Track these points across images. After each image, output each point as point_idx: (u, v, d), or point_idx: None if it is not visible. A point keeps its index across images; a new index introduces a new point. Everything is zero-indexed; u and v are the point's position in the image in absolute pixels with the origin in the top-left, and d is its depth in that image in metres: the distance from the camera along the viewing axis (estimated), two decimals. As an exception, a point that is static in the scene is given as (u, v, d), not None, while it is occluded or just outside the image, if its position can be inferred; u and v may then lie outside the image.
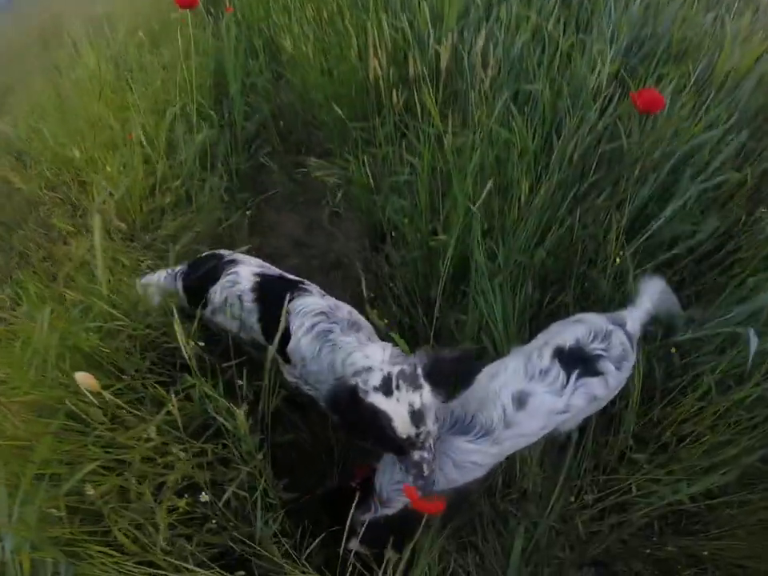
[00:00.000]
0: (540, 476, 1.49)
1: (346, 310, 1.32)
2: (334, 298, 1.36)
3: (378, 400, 1.03)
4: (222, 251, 1.50)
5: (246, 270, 1.37)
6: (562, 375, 1.22)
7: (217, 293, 1.38)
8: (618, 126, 1.75)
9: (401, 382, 1.03)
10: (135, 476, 1.21)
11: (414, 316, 1.82)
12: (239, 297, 1.35)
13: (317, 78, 2.20)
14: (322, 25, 2.34)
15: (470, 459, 1.21)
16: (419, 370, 1.06)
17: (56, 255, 2.02)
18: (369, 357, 1.13)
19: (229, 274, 1.37)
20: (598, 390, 1.24)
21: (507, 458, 1.34)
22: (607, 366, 1.24)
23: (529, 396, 1.22)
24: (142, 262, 1.76)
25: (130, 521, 1.15)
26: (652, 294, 1.40)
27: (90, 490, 1.10)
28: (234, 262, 1.40)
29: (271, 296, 1.31)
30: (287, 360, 1.35)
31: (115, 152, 1.94)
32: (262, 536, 1.21)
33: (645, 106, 1.55)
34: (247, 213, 2.06)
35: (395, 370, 1.05)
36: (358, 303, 1.91)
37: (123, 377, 1.41)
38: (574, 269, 1.75)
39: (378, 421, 1.03)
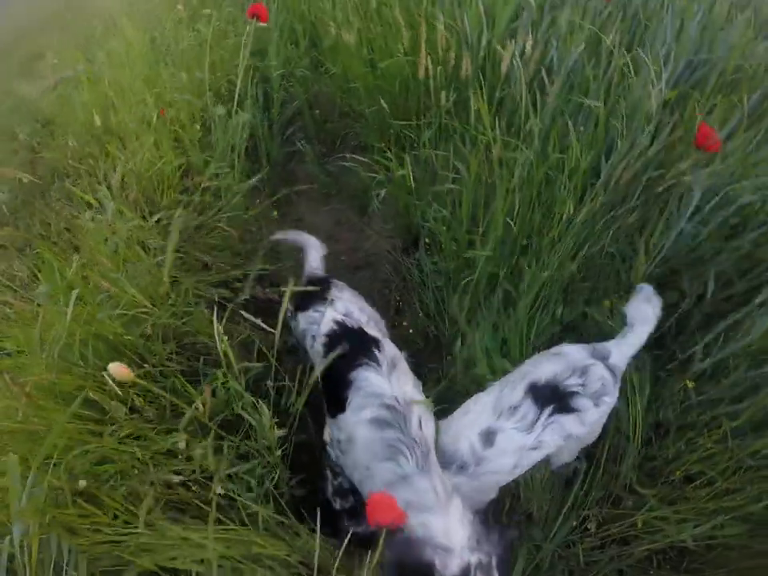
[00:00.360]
0: (546, 500, 1.47)
1: (409, 392, 1.21)
2: (399, 365, 1.28)
3: None
4: (334, 282, 1.49)
5: (329, 314, 1.35)
6: (533, 411, 1.19)
7: (300, 321, 1.40)
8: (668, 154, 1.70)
9: (479, 574, 1.00)
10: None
11: (440, 327, 1.77)
12: (314, 336, 1.35)
13: (359, 68, 2.12)
14: (368, 14, 2.26)
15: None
16: (494, 562, 1.02)
17: (77, 227, 1.97)
18: (449, 535, 1.04)
19: (316, 310, 1.36)
20: (572, 428, 1.21)
21: (514, 481, 1.30)
22: (583, 402, 1.22)
23: (496, 433, 1.18)
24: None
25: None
26: (643, 321, 1.35)
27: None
28: (329, 301, 1.39)
29: (341, 355, 1.27)
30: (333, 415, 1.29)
31: (147, 127, 1.88)
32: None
33: (702, 141, 1.49)
34: (274, 203, 2.00)
35: (474, 559, 1.01)
36: (383, 307, 1.88)
37: (144, 365, 1.37)
38: (601, 286, 1.71)
39: None
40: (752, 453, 1.35)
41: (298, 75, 2.21)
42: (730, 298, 1.62)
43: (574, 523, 1.44)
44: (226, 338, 1.14)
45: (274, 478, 1.26)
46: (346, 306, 1.38)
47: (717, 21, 2.35)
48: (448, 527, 1.04)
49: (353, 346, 1.26)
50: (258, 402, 1.22)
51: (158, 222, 1.68)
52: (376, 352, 1.24)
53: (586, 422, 1.23)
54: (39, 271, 2.02)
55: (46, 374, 1.25)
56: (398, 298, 1.90)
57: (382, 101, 1.92)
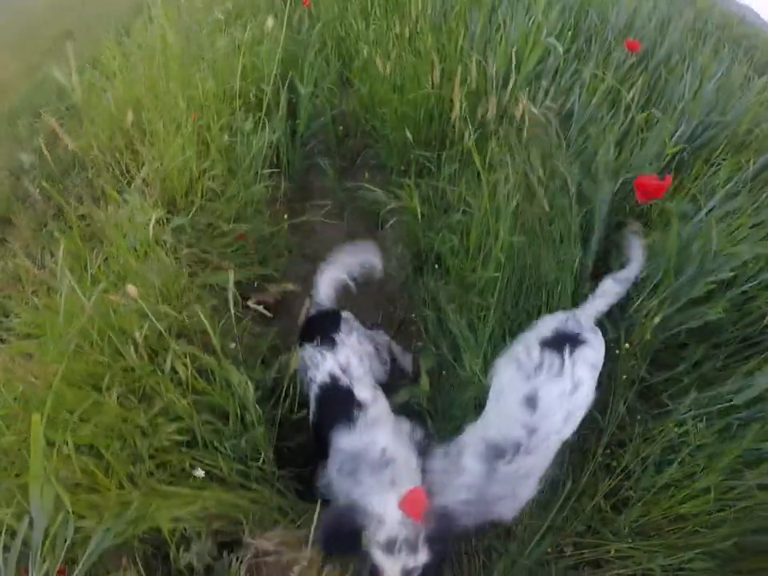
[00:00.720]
0: (527, 518, 1.52)
1: (379, 446, 1.31)
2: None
3: (377, 556, 1.11)
4: (344, 319, 1.53)
5: (329, 363, 1.41)
6: (557, 357, 1.29)
7: (306, 350, 1.45)
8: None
9: (403, 546, 1.11)
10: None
11: (439, 346, 1.82)
12: (311, 378, 1.42)
13: (387, 92, 2.19)
14: (401, 42, 2.33)
15: (518, 475, 1.26)
16: (421, 536, 1.13)
17: (94, 216, 2.01)
18: (386, 509, 1.15)
19: (320, 351, 1.42)
20: (592, 357, 1.32)
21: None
22: (588, 335, 1.34)
23: (536, 394, 1.26)
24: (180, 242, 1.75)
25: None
26: (607, 294, 1.48)
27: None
28: (334, 344, 1.44)
29: (328, 408, 1.37)
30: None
31: (177, 129, 1.92)
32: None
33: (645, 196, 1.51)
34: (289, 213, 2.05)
35: (402, 535, 1.12)
36: (387, 324, 1.93)
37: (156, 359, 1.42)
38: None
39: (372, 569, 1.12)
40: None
41: (326, 90, 2.27)
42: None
43: (550, 547, 1.49)
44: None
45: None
46: (347, 357, 1.42)
47: (734, 82, 2.44)
48: (386, 503, 1.14)
49: (338, 406, 1.35)
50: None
51: (176, 222, 1.73)
52: (358, 415, 1.33)
53: (598, 348, 1.34)
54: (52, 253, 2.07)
55: (59, 362, 1.29)
56: (402, 316, 1.95)
57: (406, 130, 1.99)
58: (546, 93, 2.07)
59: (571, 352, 1.29)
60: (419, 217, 1.84)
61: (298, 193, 2.09)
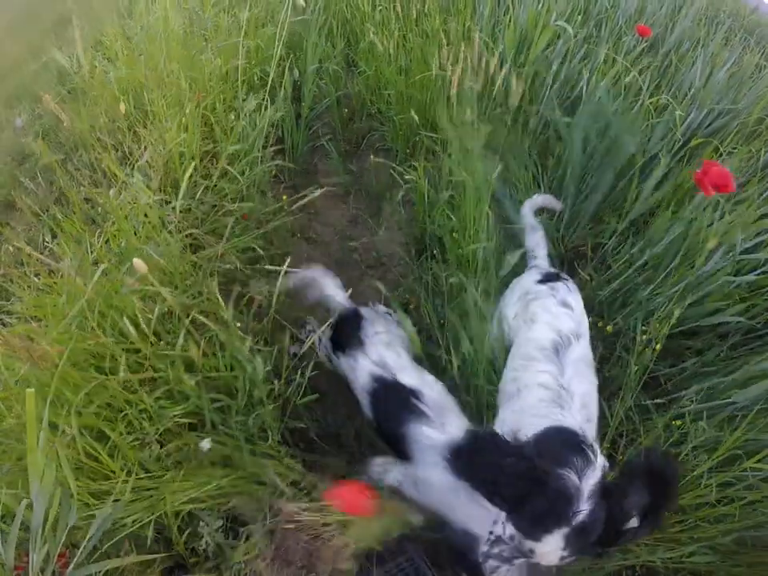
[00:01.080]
0: None
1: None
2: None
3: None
4: (365, 317, 1.49)
5: (365, 366, 1.37)
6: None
7: (341, 362, 1.44)
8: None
9: None
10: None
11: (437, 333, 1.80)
12: (354, 381, 1.39)
13: (392, 74, 2.16)
14: (408, 23, 2.29)
15: None
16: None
17: (97, 200, 1.99)
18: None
19: (352, 356, 1.39)
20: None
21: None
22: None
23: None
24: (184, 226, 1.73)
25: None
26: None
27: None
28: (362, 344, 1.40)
29: (387, 409, 1.33)
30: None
31: (180, 110, 1.90)
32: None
33: (712, 184, 1.49)
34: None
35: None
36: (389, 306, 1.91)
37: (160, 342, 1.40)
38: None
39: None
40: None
41: (331, 72, 2.23)
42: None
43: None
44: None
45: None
46: (380, 354, 1.38)
47: (746, 71, 2.40)
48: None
49: (395, 402, 1.30)
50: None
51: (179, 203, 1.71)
52: (419, 404, 1.28)
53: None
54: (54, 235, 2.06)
55: (60, 343, 1.28)
56: (407, 297, 1.93)
57: (412, 112, 1.96)
58: (556, 76, 2.04)
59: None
60: (426, 198, 1.81)
61: (302, 175, 2.07)
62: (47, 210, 2.21)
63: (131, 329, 1.32)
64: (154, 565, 1.33)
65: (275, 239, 1.88)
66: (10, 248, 2.10)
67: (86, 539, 1.10)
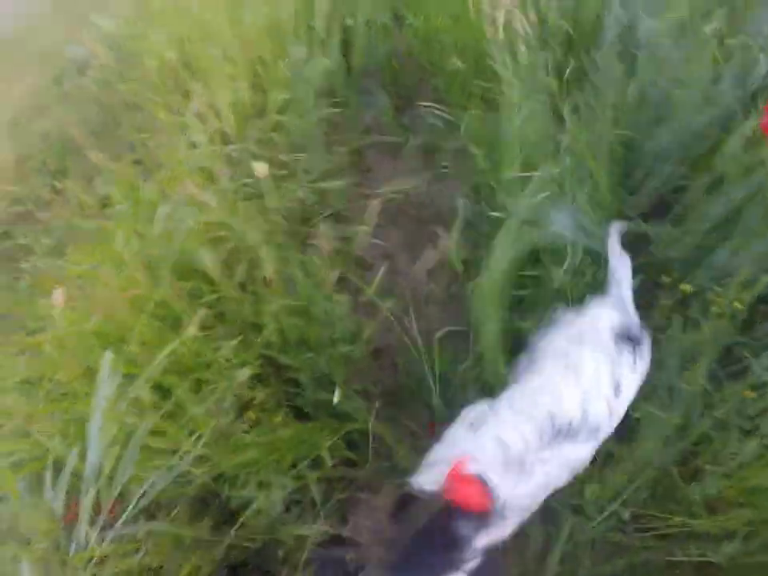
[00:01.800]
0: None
1: None
2: None
3: None
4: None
5: None
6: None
7: None
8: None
9: None
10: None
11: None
12: None
13: (442, 22, 2.05)
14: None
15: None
16: None
17: (148, 154, 1.97)
18: None
19: None
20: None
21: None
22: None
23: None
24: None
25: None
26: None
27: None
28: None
29: None
30: None
31: (228, 63, 1.85)
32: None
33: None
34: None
35: None
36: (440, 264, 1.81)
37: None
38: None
39: None
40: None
41: (380, 24, 2.14)
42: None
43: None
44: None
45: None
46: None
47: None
48: None
49: None
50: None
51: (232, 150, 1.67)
52: None
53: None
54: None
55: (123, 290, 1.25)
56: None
57: (458, 61, 1.86)
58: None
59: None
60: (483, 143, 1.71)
61: (353, 129, 2.00)
62: (99, 174, 2.22)
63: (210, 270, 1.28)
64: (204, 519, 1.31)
65: (329, 193, 1.82)
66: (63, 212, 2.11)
67: (139, 494, 1.07)
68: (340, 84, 2.00)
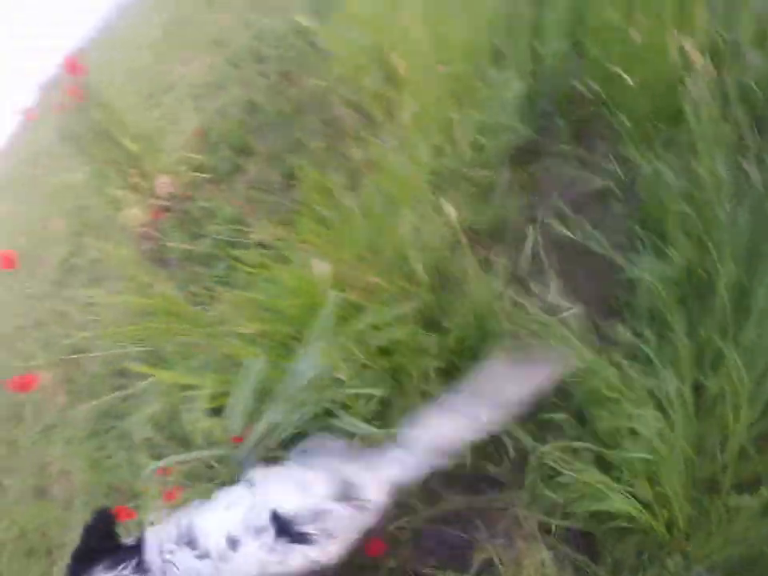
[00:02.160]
0: None
1: None
2: None
3: None
4: None
5: None
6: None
7: None
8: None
9: None
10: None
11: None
12: None
13: (627, 58, 2.12)
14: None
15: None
16: None
17: (336, 149, 2.17)
18: None
19: None
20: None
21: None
22: None
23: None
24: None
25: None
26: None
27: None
28: None
29: None
30: None
31: (431, 77, 2.01)
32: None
33: None
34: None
35: None
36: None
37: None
38: None
39: None
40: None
41: (561, 51, 2.24)
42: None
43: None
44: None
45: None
46: None
47: None
48: None
49: None
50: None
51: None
52: None
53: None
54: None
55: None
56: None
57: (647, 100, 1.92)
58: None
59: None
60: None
61: (531, 151, 2.13)
62: (280, 158, 2.45)
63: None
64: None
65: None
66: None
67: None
68: (524, 108, 2.12)
